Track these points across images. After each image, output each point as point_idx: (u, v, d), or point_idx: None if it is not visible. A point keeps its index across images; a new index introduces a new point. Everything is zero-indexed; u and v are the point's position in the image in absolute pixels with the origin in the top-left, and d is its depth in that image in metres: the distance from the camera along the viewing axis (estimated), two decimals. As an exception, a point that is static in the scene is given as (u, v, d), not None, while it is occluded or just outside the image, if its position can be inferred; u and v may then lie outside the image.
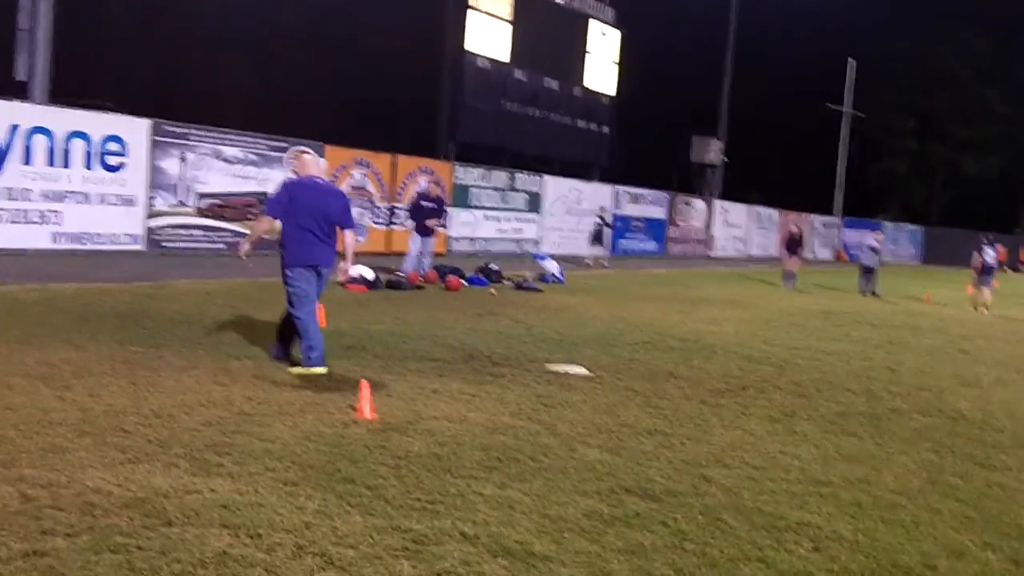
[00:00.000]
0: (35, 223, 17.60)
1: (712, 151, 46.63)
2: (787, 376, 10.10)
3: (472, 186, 28.52)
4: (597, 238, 28.99)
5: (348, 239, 8.50)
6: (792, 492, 5.72)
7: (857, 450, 6.95)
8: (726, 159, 47.72)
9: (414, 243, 18.00)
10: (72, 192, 18.12)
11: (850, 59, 54.94)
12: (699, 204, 41.82)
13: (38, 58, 19.80)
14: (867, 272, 24.88)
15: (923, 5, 60.98)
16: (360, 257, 20.95)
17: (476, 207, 28.64)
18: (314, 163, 8.69)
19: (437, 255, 25.48)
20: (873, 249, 25.28)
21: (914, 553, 4.86)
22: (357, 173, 24.52)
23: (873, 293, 24.23)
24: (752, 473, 6.07)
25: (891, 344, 13.88)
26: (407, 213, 19.47)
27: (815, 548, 4.82)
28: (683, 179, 48.39)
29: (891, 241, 51.86)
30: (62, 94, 20.56)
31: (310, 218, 8.19)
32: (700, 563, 4.49)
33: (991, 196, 62.64)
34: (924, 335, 15.60)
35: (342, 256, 8.50)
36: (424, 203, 18.31)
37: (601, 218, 29.52)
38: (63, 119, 18.13)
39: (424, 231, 18.06)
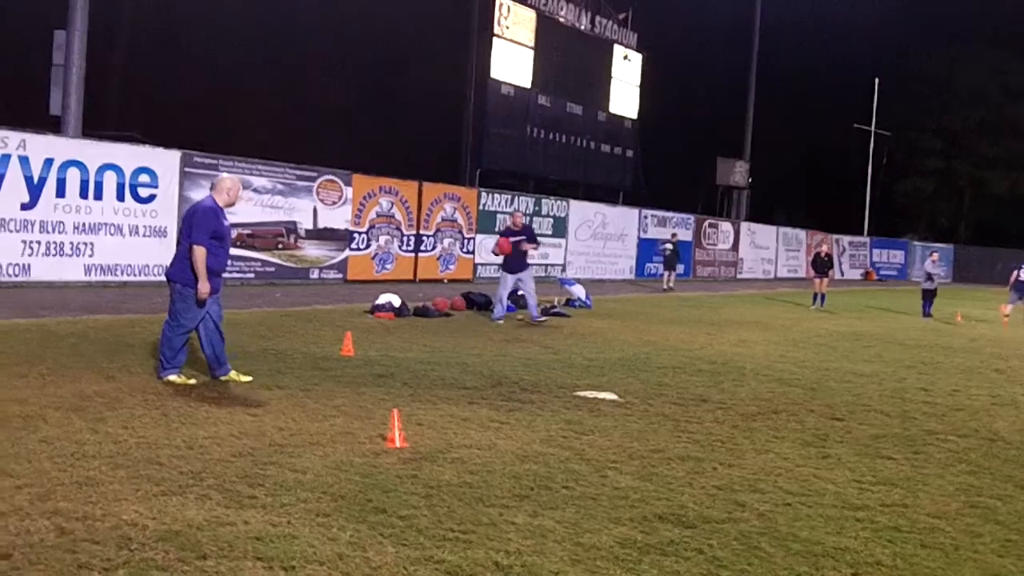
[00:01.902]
0: (68, 255, 17.80)
1: (737, 173, 46.60)
2: (819, 399, 10.02)
3: (498, 212, 28.57)
4: (669, 263, 30.00)
5: (192, 255, 8.55)
6: (828, 517, 5.66)
7: (893, 473, 6.86)
8: (752, 180, 47.65)
9: (504, 286, 16.69)
10: (104, 224, 18.33)
11: (875, 78, 54.77)
12: (726, 226, 41.70)
13: (71, 93, 20.13)
14: (929, 296, 24.30)
15: (949, 24, 60.78)
16: (389, 284, 21.10)
17: (502, 233, 28.66)
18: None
19: (464, 282, 25.60)
20: (930, 275, 24.70)
21: (954, 579, 4.79)
22: (384, 201, 24.64)
23: (927, 315, 23.78)
24: (787, 498, 6.01)
25: (924, 365, 13.74)
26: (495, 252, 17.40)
27: (853, 574, 4.76)
28: (709, 201, 48.36)
29: (921, 260, 51.51)
30: (94, 127, 20.86)
31: None
32: (736, 591, 4.45)
33: (1022, 214, 62.04)
34: (957, 355, 15.43)
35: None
36: (512, 237, 16.70)
37: (671, 244, 30.48)
38: (95, 152, 18.36)
39: (515, 267, 16.55)
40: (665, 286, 29.68)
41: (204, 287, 8.52)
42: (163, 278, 19.26)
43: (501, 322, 16.38)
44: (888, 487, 6.45)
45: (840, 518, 5.65)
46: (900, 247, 56.80)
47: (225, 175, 9.33)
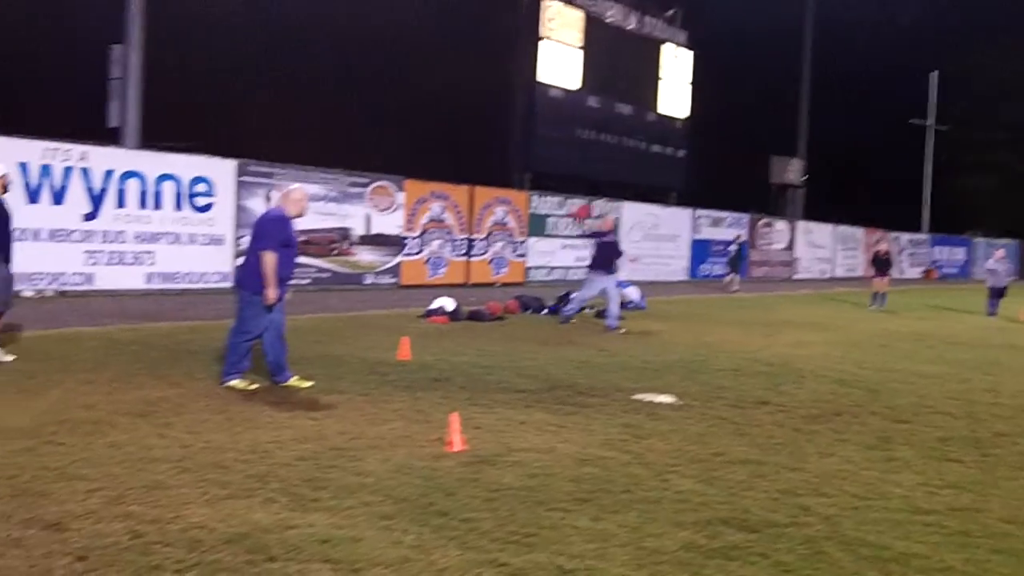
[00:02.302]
0: (129, 264, 18.12)
1: (792, 171, 46.06)
2: (882, 400, 9.87)
3: (549, 215, 28.56)
4: (733, 264, 30.47)
5: (261, 261, 8.67)
6: (895, 521, 5.57)
7: (961, 476, 6.73)
8: (807, 178, 47.10)
9: (589, 288, 16.47)
10: (164, 233, 18.63)
11: (932, 72, 53.84)
12: (781, 225, 41.27)
13: (129, 105, 20.51)
14: (996, 294, 23.61)
15: (1006, 16, 59.60)
16: (442, 289, 21.18)
17: (553, 235, 28.67)
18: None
19: (516, 285, 25.63)
20: (991, 270, 23.97)
21: (1027, 583, 4.69)
22: (436, 206, 24.76)
23: (992, 313, 23.11)
24: (852, 502, 5.92)
25: (989, 365, 13.45)
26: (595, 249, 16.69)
27: (924, 580, 4.68)
28: (763, 200, 47.85)
29: (984, 256, 50.47)
30: (151, 138, 21.22)
31: None
32: (803, 595, 4.40)
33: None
34: (1023, 355, 15.11)
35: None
36: (602, 241, 16.56)
37: (738, 245, 31.00)
38: (154, 163, 18.69)
39: (606, 270, 16.30)
40: (732, 286, 29.90)
41: (272, 293, 8.67)
42: (222, 285, 19.65)
43: (573, 322, 16.17)
44: (957, 491, 6.32)
45: (908, 522, 5.56)
46: (962, 244, 55.74)
47: (295, 186, 9.53)
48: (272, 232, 8.72)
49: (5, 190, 10.14)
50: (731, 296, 27.52)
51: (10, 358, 9.82)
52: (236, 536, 4.75)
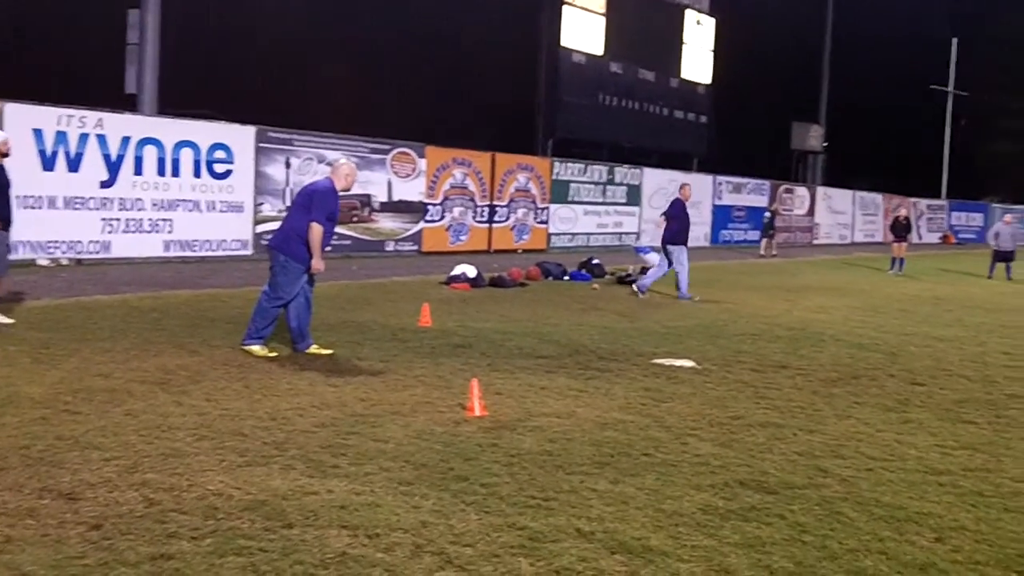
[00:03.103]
0: (147, 232, 18.15)
1: (813, 137, 45.77)
2: (899, 364, 9.84)
3: (571, 181, 28.45)
4: (766, 231, 31.59)
5: (310, 232, 8.72)
6: (910, 482, 5.58)
7: (976, 438, 6.74)
8: (827, 145, 46.77)
9: (679, 258, 16.15)
10: (182, 200, 18.65)
11: (953, 39, 53.15)
12: (801, 191, 41.01)
13: (147, 71, 20.48)
14: (1000, 258, 23.81)
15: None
16: (463, 256, 21.19)
17: (575, 202, 28.58)
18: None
19: (538, 252, 25.61)
20: (996, 234, 24.22)
21: (1044, 544, 4.68)
22: (458, 172, 24.69)
23: (1008, 278, 23.24)
24: (869, 463, 5.94)
25: (1005, 328, 13.41)
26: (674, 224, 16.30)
27: (937, 539, 4.68)
28: (784, 167, 47.58)
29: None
30: (170, 105, 21.20)
31: None
32: (820, 556, 4.39)
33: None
34: (1043, 319, 15.01)
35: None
36: (679, 210, 16.23)
37: (770, 212, 32.15)
38: (172, 129, 18.65)
39: (685, 241, 16.18)
40: (762, 251, 30.87)
41: (318, 263, 8.77)
42: (241, 252, 19.65)
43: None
44: (971, 451, 6.35)
45: (923, 483, 5.58)
46: (980, 210, 55.28)
47: (343, 160, 9.50)
48: (322, 204, 8.77)
49: (5, 155, 10.16)
50: (752, 262, 27.42)
51: (10, 321, 9.88)
52: (253, 503, 4.76)
